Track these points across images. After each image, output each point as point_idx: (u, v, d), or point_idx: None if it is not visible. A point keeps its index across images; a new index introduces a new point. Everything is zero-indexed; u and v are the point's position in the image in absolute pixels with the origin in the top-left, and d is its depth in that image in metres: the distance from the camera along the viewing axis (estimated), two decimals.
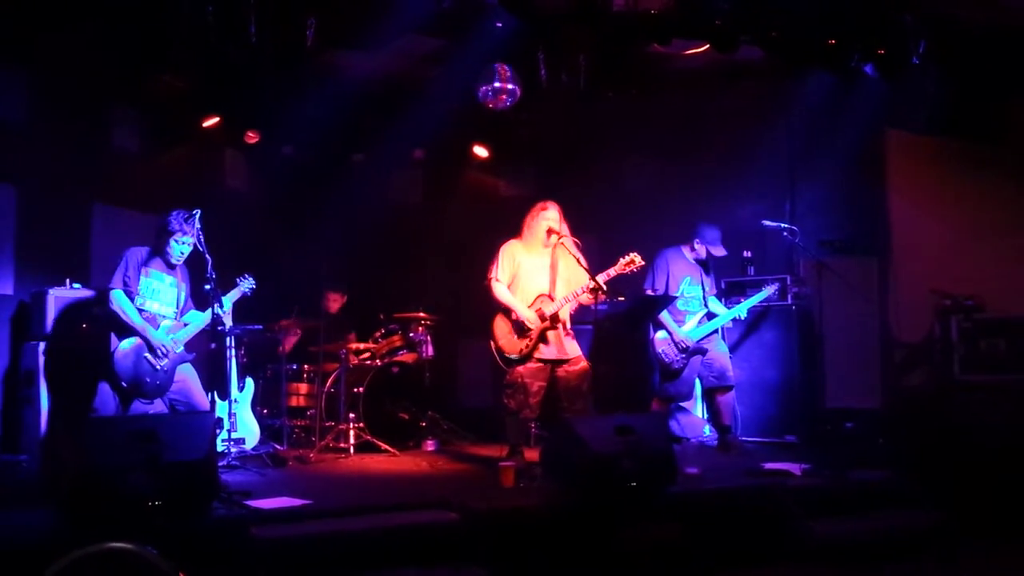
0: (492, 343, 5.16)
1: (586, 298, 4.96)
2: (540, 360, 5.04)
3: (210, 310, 4.89)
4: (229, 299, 5.13)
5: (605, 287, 4.87)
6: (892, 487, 4.87)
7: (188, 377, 4.92)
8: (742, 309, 6.06)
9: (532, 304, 5.10)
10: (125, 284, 4.75)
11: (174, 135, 7.08)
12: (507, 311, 5.18)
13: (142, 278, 4.81)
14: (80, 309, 5.35)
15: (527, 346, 5.02)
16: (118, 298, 4.73)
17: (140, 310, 4.77)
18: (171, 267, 4.94)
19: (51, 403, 5.12)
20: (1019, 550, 4.52)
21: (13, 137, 5.73)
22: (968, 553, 4.47)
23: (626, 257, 5.00)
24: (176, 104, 6.65)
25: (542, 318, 5.04)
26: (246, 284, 5.25)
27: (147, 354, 4.72)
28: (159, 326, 4.83)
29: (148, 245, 4.91)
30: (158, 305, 4.87)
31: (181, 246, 4.85)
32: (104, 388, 4.67)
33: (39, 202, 5.85)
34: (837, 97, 6.58)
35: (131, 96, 6.54)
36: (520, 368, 5.03)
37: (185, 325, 4.96)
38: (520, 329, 5.06)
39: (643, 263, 5.06)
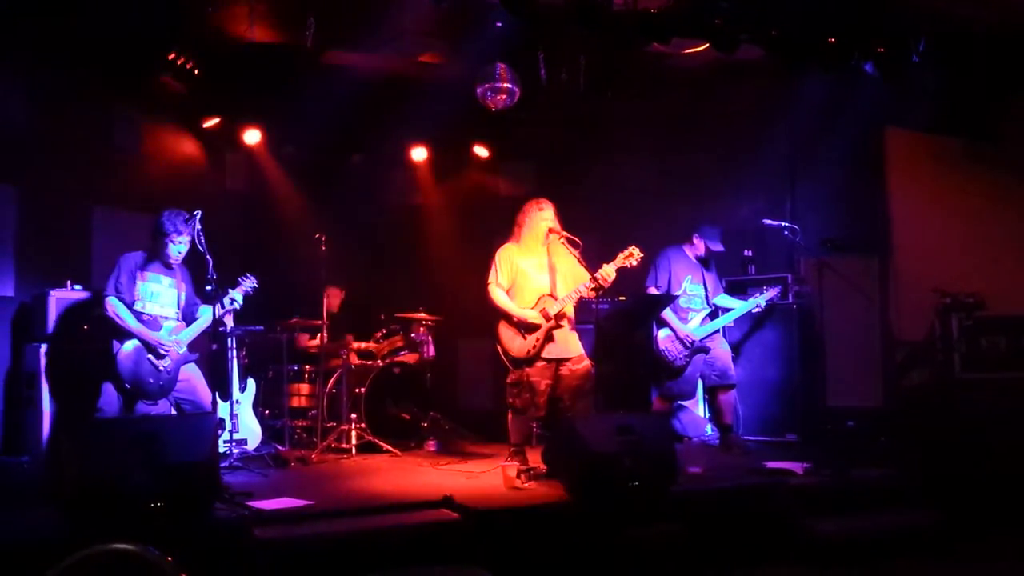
0: (499, 346, 5.12)
1: (587, 292, 4.95)
2: (546, 359, 5.03)
3: (216, 304, 4.86)
4: (239, 294, 5.10)
5: (608, 277, 4.86)
6: (893, 485, 4.87)
7: (193, 376, 4.92)
8: (761, 300, 5.98)
9: (535, 305, 5.06)
10: (117, 291, 4.75)
11: (174, 135, 7.08)
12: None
13: (139, 283, 4.81)
14: (81, 310, 5.36)
15: (534, 346, 4.99)
16: (113, 304, 4.73)
17: (140, 314, 4.77)
18: (169, 268, 4.93)
19: (53, 405, 5.12)
20: (1019, 547, 4.52)
21: (14, 138, 5.73)
22: (969, 550, 4.47)
23: (625, 250, 4.97)
24: (176, 104, 6.64)
25: (547, 318, 5.02)
26: (248, 284, 5.25)
27: (149, 355, 4.72)
28: (161, 327, 4.83)
29: (144, 248, 4.91)
30: (158, 308, 4.86)
31: (179, 246, 4.84)
32: (108, 389, 4.68)
33: (40, 203, 5.85)
34: (837, 95, 6.58)
35: (131, 96, 6.54)
36: (527, 368, 5.02)
37: (188, 325, 4.95)
38: (524, 330, 5.04)
39: (642, 255, 5.03)
